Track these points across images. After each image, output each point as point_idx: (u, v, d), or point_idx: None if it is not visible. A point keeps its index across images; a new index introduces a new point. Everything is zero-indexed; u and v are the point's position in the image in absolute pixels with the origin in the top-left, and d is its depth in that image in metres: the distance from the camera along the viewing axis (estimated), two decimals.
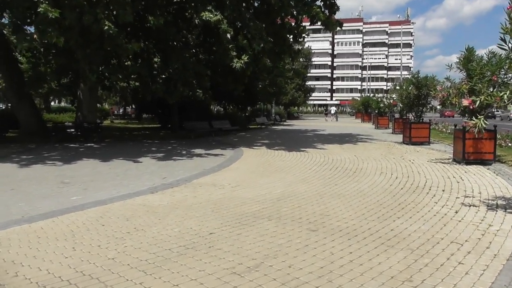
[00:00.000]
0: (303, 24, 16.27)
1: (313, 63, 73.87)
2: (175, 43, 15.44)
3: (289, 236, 4.82)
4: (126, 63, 15.19)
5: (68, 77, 15.27)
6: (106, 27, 10.73)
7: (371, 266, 3.87)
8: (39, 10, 10.14)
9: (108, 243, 4.61)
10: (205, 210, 6.05)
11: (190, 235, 4.87)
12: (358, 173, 9.53)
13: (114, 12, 11.71)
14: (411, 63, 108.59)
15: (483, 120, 5.38)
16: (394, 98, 23.14)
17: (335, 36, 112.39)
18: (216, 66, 21.42)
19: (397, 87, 17.38)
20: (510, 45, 4.90)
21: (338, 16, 18.90)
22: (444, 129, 23.56)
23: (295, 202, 6.56)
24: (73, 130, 16.48)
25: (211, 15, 12.63)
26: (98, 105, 43.21)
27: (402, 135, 20.91)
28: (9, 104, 22.26)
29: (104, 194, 7.13)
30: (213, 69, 22.40)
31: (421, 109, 16.83)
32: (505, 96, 5.37)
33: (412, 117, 17.20)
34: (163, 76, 16.04)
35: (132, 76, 16.75)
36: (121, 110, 58.26)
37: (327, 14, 15.79)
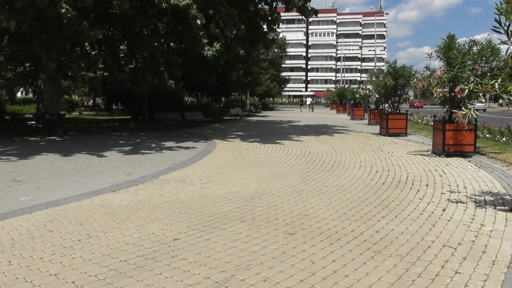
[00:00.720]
0: (277, 11, 15.63)
1: (287, 53, 73.42)
2: (142, 30, 14.52)
3: (264, 241, 4.27)
4: (89, 51, 14.20)
5: (24, 66, 14.09)
6: (63, 11, 9.80)
7: (358, 278, 3.37)
8: None
9: (53, 254, 3.94)
10: (171, 211, 5.43)
11: (151, 242, 4.25)
12: (337, 166, 9.08)
13: None
14: (384, 54, 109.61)
15: (473, 110, 4.96)
16: (370, 89, 22.92)
17: (309, 27, 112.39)
18: (187, 55, 20.63)
19: (373, 78, 17.05)
20: (505, 27, 4.46)
21: (311, 6, 18.36)
22: (419, 120, 23.59)
23: (270, 200, 6.02)
24: (33, 122, 15.39)
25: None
26: (66, 96, 41.63)
27: (378, 126, 20.77)
28: None
29: (58, 193, 6.39)
30: (185, 59, 21.60)
31: (398, 100, 16.58)
32: (496, 85, 4.95)
33: (389, 108, 16.93)
34: (131, 65, 15.13)
35: (99, 66, 15.76)
36: (91, 102, 56.37)
37: (302, 1, 15.22)
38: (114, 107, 38.25)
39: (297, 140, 14.81)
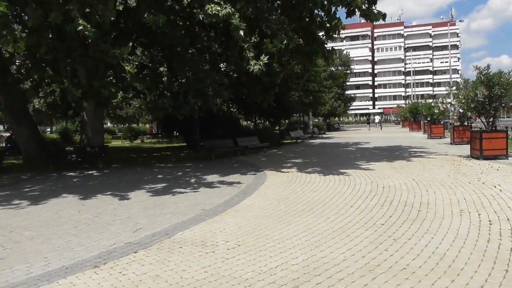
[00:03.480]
0: (337, 17, 13.26)
1: (353, 71, 69.94)
2: (183, 49, 12.89)
3: None
4: (126, 75, 12.86)
5: (54, 94, 13.10)
6: (80, 28, 8.30)
7: None
8: None
9: None
10: None
11: None
12: (425, 212, 6.40)
13: (98, 11, 9.28)
14: (458, 65, 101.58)
15: None
16: (453, 103, 19.53)
17: (375, 42, 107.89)
18: (241, 75, 18.90)
19: (460, 88, 13.91)
20: None
21: (378, 9, 15.75)
22: None
23: None
24: (74, 155, 14.28)
25: (219, 8, 9.96)
26: (127, 124, 42.02)
27: (464, 146, 17.36)
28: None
29: (18, 272, 4.48)
30: (237, 79, 19.89)
31: (493, 114, 13.30)
32: None
33: (484, 124, 13.67)
34: (173, 88, 13.55)
35: (140, 90, 14.41)
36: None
37: (367, 2, 12.77)
38: (175, 133, 37.68)
39: (366, 168, 12.12)
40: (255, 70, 10.37)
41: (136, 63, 13.42)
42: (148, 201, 8.26)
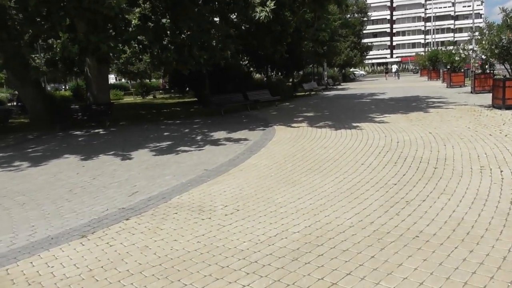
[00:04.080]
0: None
1: (370, 18, 66.81)
2: None
3: None
4: (129, 27, 12.19)
5: (52, 50, 12.48)
6: None
7: None
8: None
9: None
10: None
11: None
12: (442, 169, 5.91)
13: None
14: (482, 9, 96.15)
15: None
16: (475, 49, 18.35)
17: None
18: (249, 25, 18.00)
19: (485, 33, 12.84)
20: None
21: None
22: None
23: (328, 263, 3.25)
24: (79, 114, 13.98)
25: None
26: (146, 80, 41.26)
27: (485, 95, 16.48)
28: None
29: (0, 244, 4.23)
30: (247, 30, 18.98)
31: None
32: None
33: (508, 71, 12.76)
34: (180, 41, 12.84)
35: (147, 44, 13.75)
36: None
37: None
38: (187, 88, 37.05)
39: (380, 121, 11.53)
40: (261, 18, 9.62)
41: (138, 14, 12.67)
42: (150, 161, 7.95)
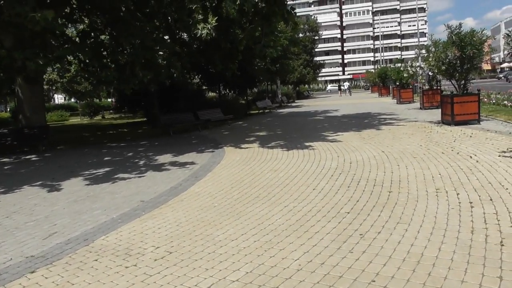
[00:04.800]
0: None
1: (321, 36, 68.48)
2: (128, 13, 11.30)
3: None
4: (64, 44, 11.26)
5: None
6: None
7: None
8: None
9: None
10: None
11: None
12: (397, 194, 5.52)
13: None
14: (425, 28, 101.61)
15: None
16: (422, 66, 18.78)
17: (343, 7, 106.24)
18: (198, 42, 17.45)
19: (431, 50, 12.99)
20: None
21: None
22: (485, 99, 18.91)
23: None
24: (9, 138, 12.71)
25: None
26: (95, 99, 39.38)
27: (434, 110, 16.85)
28: None
29: None
30: (197, 48, 18.43)
31: (465, 77, 12.55)
32: None
33: (455, 87, 12.93)
34: (121, 59, 12.04)
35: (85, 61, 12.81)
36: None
37: None
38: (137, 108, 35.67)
39: (333, 139, 11.24)
40: (203, 35, 9.08)
41: (72, 30, 11.80)
42: (81, 192, 7.07)
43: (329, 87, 56.27)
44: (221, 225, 4.80)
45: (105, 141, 15.19)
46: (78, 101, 55.19)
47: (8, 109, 43.11)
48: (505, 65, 75.75)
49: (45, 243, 4.62)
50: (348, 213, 4.90)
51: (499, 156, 7.40)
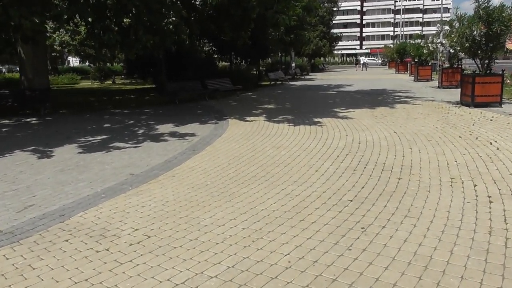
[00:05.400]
0: None
1: (340, 8, 66.22)
2: None
3: None
4: (64, 3, 10.71)
5: None
6: None
7: None
8: None
9: None
10: None
11: None
12: (406, 181, 5.02)
13: None
14: (449, 3, 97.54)
15: None
16: (443, 42, 17.82)
17: None
18: (209, 9, 16.72)
19: (455, 25, 12.13)
20: None
21: None
22: (508, 81, 17.91)
23: None
24: (10, 100, 12.38)
25: None
26: (98, 64, 38.99)
27: (453, 90, 16.07)
28: None
29: None
30: (207, 14, 17.69)
31: (490, 55, 11.72)
32: None
33: (478, 67, 12.13)
34: (124, 21, 11.46)
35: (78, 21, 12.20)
36: None
37: None
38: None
39: (344, 116, 10.66)
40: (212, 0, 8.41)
41: None
42: (71, 161, 6.70)
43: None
44: (209, 207, 4.37)
45: (109, 107, 14.79)
46: (90, 65, 54.80)
47: (4, 71, 42.76)
48: None
49: (18, 216, 4.26)
50: (351, 201, 4.43)
51: None
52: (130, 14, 11.19)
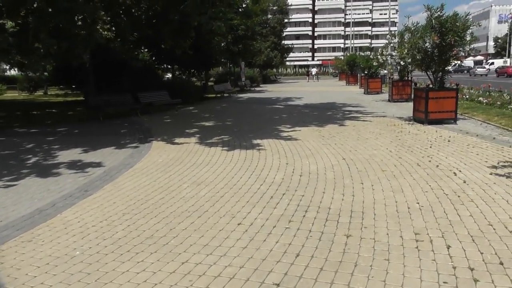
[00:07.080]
0: None
1: (291, 20, 66.11)
2: None
3: None
4: None
5: None
6: None
7: None
8: None
9: None
10: None
11: None
12: (357, 240, 3.61)
13: None
14: (396, 18, 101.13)
15: None
16: (393, 54, 17.11)
17: None
18: (144, 12, 15.01)
19: (405, 36, 11.16)
20: None
21: None
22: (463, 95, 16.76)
23: None
24: None
25: None
26: (45, 73, 35.45)
27: (405, 104, 15.30)
28: None
29: None
30: (145, 18, 15.96)
31: (443, 68, 10.84)
32: None
33: (430, 80, 11.22)
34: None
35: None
36: None
37: None
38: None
39: (287, 136, 9.29)
40: None
41: None
42: None
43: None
44: None
45: (17, 124, 12.58)
46: (22, 73, 50.49)
47: None
48: (469, 59, 76.24)
49: None
50: (278, 286, 2.92)
51: (491, 174, 5.65)
52: (28, 13, 9.26)
